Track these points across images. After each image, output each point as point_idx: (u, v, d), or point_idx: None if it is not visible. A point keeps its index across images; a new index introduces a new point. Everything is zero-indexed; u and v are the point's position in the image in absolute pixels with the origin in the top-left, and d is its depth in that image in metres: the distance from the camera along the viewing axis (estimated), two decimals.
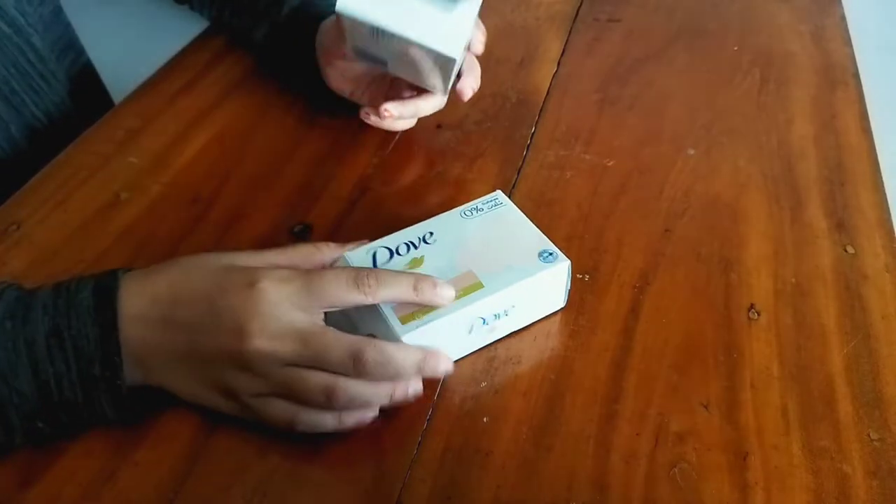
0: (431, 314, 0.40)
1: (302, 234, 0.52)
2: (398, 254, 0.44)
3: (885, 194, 0.56)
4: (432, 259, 0.44)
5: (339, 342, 0.37)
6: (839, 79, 0.68)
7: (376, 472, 0.39)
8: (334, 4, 0.52)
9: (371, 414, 0.39)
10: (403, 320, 0.40)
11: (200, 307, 0.38)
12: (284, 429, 0.38)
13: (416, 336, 0.40)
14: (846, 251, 0.51)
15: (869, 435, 0.41)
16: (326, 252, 0.44)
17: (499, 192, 0.48)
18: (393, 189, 0.56)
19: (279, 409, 0.38)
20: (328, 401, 0.37)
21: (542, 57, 0.71)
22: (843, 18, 0.77)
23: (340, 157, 0.59)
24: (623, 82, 0.68)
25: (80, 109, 0.69)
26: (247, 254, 0.42)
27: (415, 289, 0.40)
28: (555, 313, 0.47)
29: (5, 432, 0.38)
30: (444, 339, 0.41)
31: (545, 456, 0.40)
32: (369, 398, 0.38)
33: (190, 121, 0.63)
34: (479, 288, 0.42)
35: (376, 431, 0.40)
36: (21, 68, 0.61)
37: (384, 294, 0.39)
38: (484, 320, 0.42)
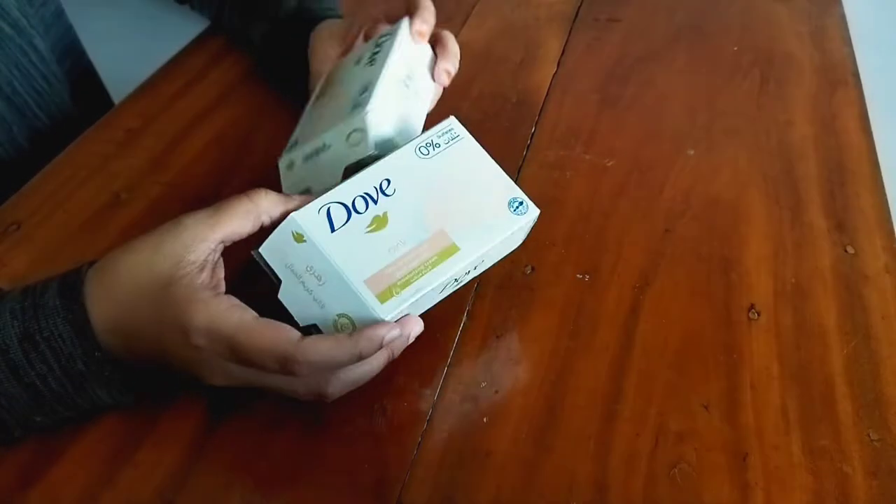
0: (411, 287, 0.37)
1: None
2: (356, 211, 0.39)
3: (885, 194, 0.56)
4: (397, 218, 0.39)
5: (268, 356, 0.35)
6: (839, 79, 0.68)
7: (376, 472, 0.39)
8: (329, 10, 0.52)
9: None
10: (382, 298, 0.37)
11: (153, 344, 0.37)
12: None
13: (397, 309, 0.37)
14: (846, 251, 0.51)
15: (869, 435, 0.41)
16: (264, 205, 0.38)
17: (452, 120, 0.43)
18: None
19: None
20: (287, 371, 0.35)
21: (542, 57, 0.71)
22: (843, 18, 0.77)
23: None
24: (623, 82, 0.68)
25: (81, 110, 0.69)
26: (195, 236, 0.37)
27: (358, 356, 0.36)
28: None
29: (3, 430, 0.38)
30: (420, 307, 0.40)
31: (545, 456, 0.40)
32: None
33: (190, 121, 0.63)
34: (455, 251, 0.39)
35: (376, 431, 0.40)
36: (23, 69, 0.62)
37: (311, 371, 0.36)
38: (457, 280, 0.42)
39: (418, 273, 0.38)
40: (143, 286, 0.36)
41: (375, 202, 0.39)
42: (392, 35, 0.50)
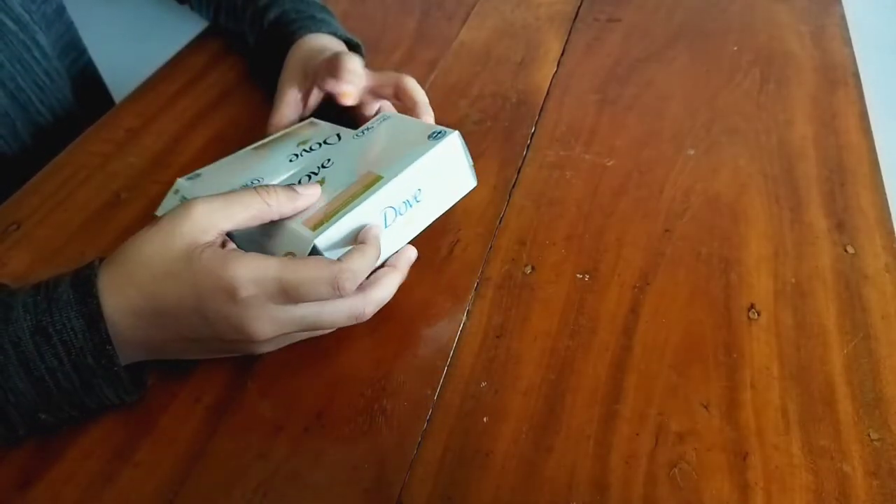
0: (338, 214, 0.41)
1: None
2: (299, 183, 0.44)
3: (885, 194, 0.56)
4: (333, 178, 0.44)
5: (338, 312, 0.40)
6: (839, 79, 0.68)
7: (376, 472, 0.39)
8: (308, 26, 0.52)
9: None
10: (313, 227, 0.40)
11: (189, 319, 0.38)
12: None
13: (330, 237, 0.40)
14: (846, 251, 0.51)
15: (869, 435, 0.41)
16: (275, 204, 0.41)
17: (385, 106, 0.50)
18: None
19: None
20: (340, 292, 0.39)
21: (542, 57, 0.71)
22: (843, 18, 0.77)
23: None
24: (623, 82, 0.68)
25: (82, 106, 0.69)
26: (203, 218, 0.38)
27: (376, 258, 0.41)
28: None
29: (7, 428, 0.38)
30: (386, 243, 0.43)
31: (545, 456, 0.40)
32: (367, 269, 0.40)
33: (190, 121, 0.63)
34: (378, 180, 0.42)
35: (376, 431, 0.40)
36: (27, 65, 0.62)
37: (360, 280, 0.40)
38: (396, 210, 0.42)
39: (346, 204, 0.41)
40: (166, 266, 0.37)
41: (317, 174, 0.46)
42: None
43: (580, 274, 0.49)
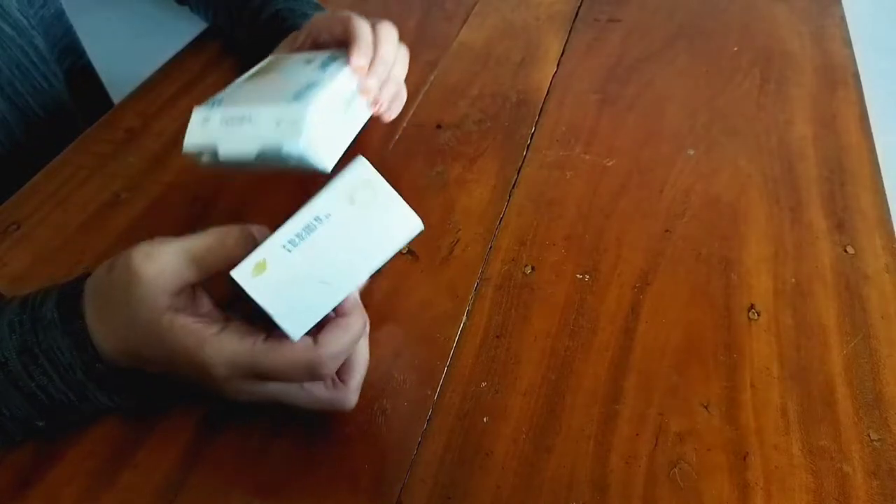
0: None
1: None
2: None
3: (885, 194, 0.56)
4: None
5: (293, 369, 0.36)
6: (839, 79, 0.68)
7: (376, 472, 0.39)
8: (299, 24, 0.51)
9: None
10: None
11: (166, 366, 0.37)
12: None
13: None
14: (846, 251, 0.51)
15: (869, 435, 0.41)
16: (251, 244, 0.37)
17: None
18: (393, 189, 0.55)
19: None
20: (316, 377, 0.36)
21: (542, 57, 0.71)
22: (842, 19, 0.77)
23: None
24: (623, 82, 0.68)
25: (81, 109, 0.69)
26: (165, 303, 0.35)
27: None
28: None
29: (4, 437, 0.38)
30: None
31: (545, 456, 0.40)
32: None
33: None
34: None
35: (376, 431, 0.40)
36: (24, 69, 0.62)
37: (337, 366, 0.37)
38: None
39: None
40: (139, 327, 0.35)
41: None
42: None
43: (580, 274, 0.49)
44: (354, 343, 0.37)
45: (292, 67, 0.49)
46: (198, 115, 0.46)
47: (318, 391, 0.37)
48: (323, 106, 0.43)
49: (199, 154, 0.44)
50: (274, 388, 0.37)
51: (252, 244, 0.35)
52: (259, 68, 0.52)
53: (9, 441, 0.38)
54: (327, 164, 0.43)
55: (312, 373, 0.35)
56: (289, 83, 0.46)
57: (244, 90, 0.48)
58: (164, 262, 0.34)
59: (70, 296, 0.37)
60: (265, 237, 0.35)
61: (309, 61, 0.49)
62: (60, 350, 0.36)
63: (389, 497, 0.38)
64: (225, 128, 0.44)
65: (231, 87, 0.49)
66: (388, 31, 0.51)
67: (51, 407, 0.37)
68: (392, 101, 0.54)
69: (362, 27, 0.50)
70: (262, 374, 0.35)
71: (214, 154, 0.43)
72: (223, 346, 0.35)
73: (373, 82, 0.49)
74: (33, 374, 0.36)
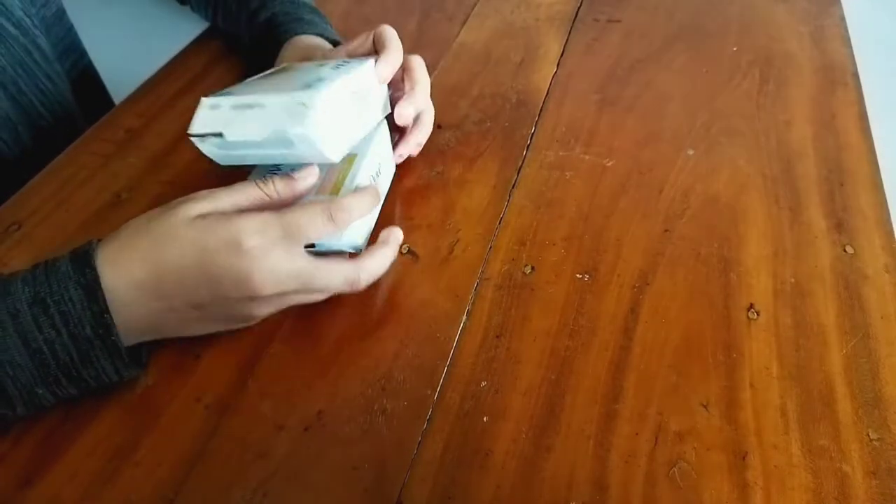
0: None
1: None
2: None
3: (884, 194, 0.56)
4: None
5: (334, 274, 0.42)
6: (839, 79, 0.68)
7: (376, 472, 0.39)
8: (295, 28, 0.51)
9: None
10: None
11: (192, 279, 0.38)
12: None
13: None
14: (845, 251, 0.51)
15: (868, 434, 0.41)
16: (276, 196, 0.43)
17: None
18: (393, 189, 0.56)
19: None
20: (351, 288, 0.43)
21: (542, 57, 0.71)
22: (842, 18, 0.77)
23: None
24: (623, 82, 0.68)
25: (83, 110, 0.69)
26: (203, 201, 0.41)
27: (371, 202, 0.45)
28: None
29: (5, 403, 0.38)
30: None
31: (545, 456, 0.40)
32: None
33: (190, 121, 0.63)
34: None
35: (376, 431, 0.40)
36: (28, 68, 0.62)
37: (354, 218, 0.43)
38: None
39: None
40: (167, 230, 0.39)
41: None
42: (362, 60, 0.50)
43: (580, 274, 0.49)
44: (387, 263, 0.45)
45: (305, 68, 0.50)
46: (207, 102, 0.46)
47: (335, 265, 0.42)
48: (334, 95, 0.44)
49: (203, 139, 0.44)
50: (297, 264, 0.40)
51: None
52: (270, 72, 0.53)
53: (10, 409, 0.38)
54: (334, 153, 0.44)
55: (331, 215, 0.41)
56: (301, 79, 0.46)
57: (254, 85, 0.48)
58: (213, 192, 0.42)
59: (84, 251, 0.39)
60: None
61: (322, 65, 0.50)
62: (72, 301, 0.37)
63: (389, 497, 0.38)
64: (234, 112, 0.44)
65: (240, 84, 0.50)
66: (421, 62, 0.55)
67: (54, 367, 0.37)
68: (421, 143, 0.57)
69: (394, 39, 0.52)
70: (289, 226, 0.40)
71: (220, 137, 0.44)
72: (254, 216, 0.39)
73: (388, 70, 0.51)
74: (42, 326, 0.37)
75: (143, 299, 0.38)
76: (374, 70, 0.50)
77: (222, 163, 0.46)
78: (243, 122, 0.43)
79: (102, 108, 0.67)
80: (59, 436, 0.40)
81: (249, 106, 0.44)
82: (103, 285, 0.37)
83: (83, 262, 0.38)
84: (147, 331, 0.40)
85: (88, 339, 0.37)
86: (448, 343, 0.45)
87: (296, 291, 0.41)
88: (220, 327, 0.43)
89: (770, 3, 0.80)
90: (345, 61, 0.50)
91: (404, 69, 0.54)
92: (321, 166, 0.46)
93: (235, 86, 0.49)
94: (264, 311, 0.42)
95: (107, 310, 0.37)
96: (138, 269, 0.38)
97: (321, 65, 0.50)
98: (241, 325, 0.44)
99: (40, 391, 0.38)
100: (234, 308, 0.41)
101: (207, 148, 0.45)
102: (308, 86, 0.44)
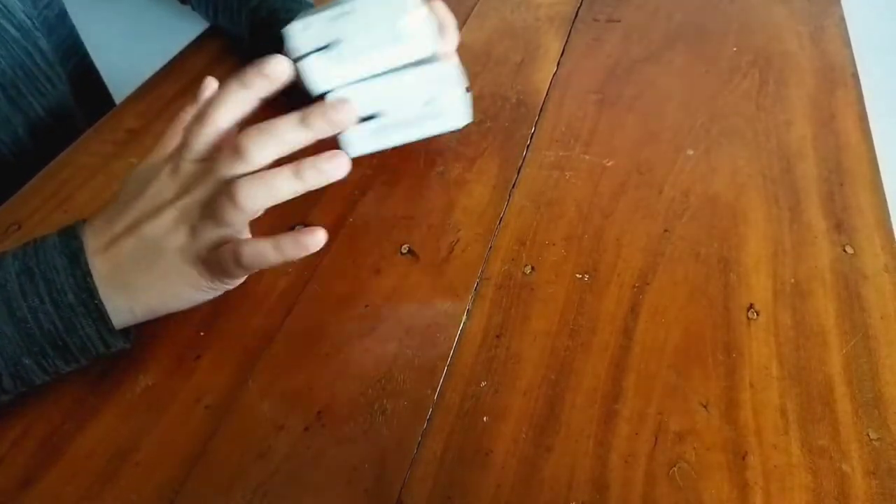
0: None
1: None
2: None
3: (884, 195, 0.56)
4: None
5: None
6: (838, 79, 0.68)
7: (376, 472, 0.39)
8: (290, 20, 0.51)
9: (312, 240, 0.40)
10: None
11: (160, 183, 0.40)
12: (235, 270, 0.40)
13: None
14: (845, 251, 0.51)
15: (868, 434, 0.41)
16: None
17: None
18: (393, 189, 0.56)
19: (225, 252, 0.39)
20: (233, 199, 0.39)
21: (541, 57, 0.71)
22: (842, 19, 0.77)
23: None
24: (622, 83, 0.68)
25: (83, 110, 0.69)
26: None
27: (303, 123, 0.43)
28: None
29: None
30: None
31: (545, 456, 0.40)
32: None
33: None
34: None
35: (376, 431, 0.41)
36: (28, 70, 0.62)
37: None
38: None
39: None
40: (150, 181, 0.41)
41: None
42: None
43: (580, 274, 0.49)
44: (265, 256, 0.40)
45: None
46: (295, 27, 0.45)
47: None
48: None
49: (305, 59, 0.44)
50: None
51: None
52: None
53: None
54: (429, 44, 0.43)
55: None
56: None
57: (325, 10, 0.47)
58: None
59: (71, 225, 0.40)
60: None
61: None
62: (56, 269, 0.38)
63: (389, 497, 0.38)
64: (332, 24, 0.44)
65: (303, 15, 0.48)
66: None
67: (38, 336, 0.38)
68: None
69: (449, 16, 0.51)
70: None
71: (330, 49, 0.43)
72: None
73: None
74: (27, 294, 0.37)
75: (113, 233, 0.40)
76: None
77: (320, 90, 0.44)
78: (344, 31, 0.42)
79: (103, 108, 0.67)
80: (59, 436, 0.40)
81: (343, 14, 0.43)
82: (87, 252, 0.39)
83: (70, 233, 0.39)
84: (126, 297, 0.40)
85: (71, 306, 0.38)
86: (448, 343, 0.45)
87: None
88: (176, 280, 0.41)
89: (770, 3, 0.80)
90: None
91: None
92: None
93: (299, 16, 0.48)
94: (244, 208, 0.39)
95: (89, 273, 0.38)
96: (117, 223, 0.40)
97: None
98: (195, 283, 0.41)
99: (27, 361, 0.38)
100: (216, 213, 0.39)
101: (310, 71, 0.44)
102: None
